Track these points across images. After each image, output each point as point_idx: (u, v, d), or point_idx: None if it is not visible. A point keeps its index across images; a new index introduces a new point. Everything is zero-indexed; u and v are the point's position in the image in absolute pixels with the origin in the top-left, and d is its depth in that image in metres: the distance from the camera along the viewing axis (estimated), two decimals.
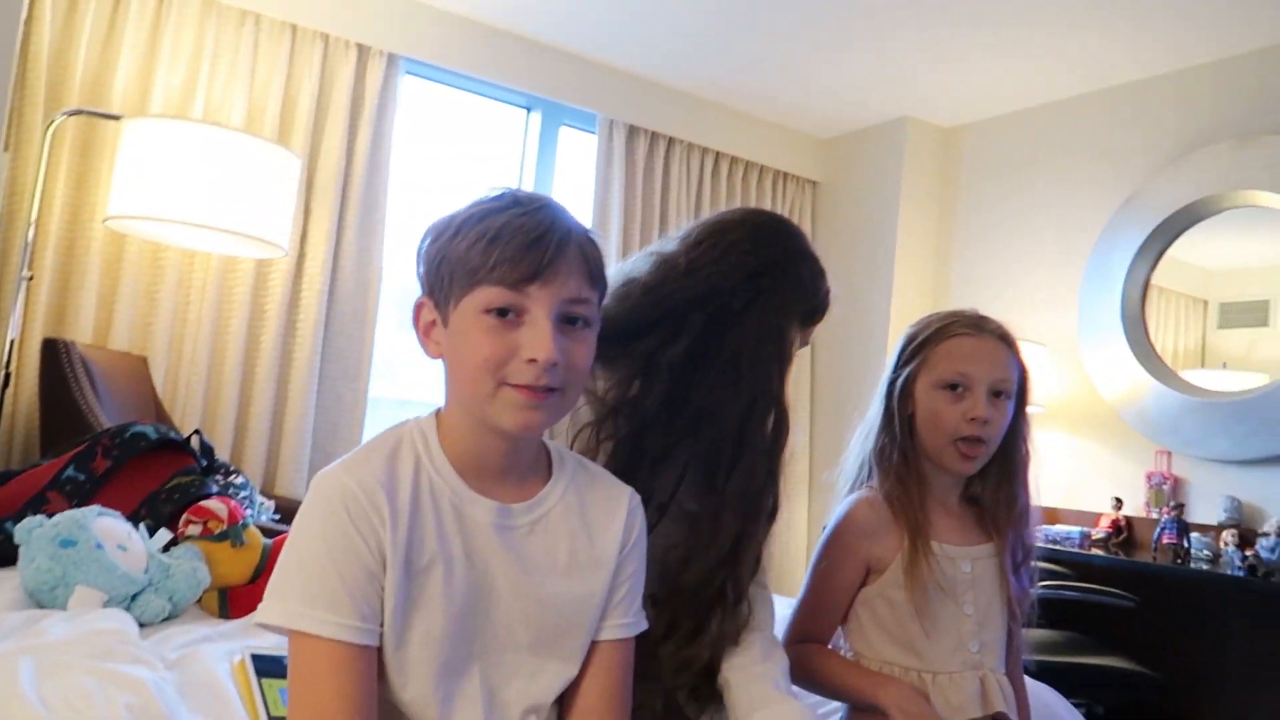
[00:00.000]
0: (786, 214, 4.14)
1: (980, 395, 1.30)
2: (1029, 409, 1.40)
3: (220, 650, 1.38)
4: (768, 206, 4.10)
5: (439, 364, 0.99)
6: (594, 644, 1.04)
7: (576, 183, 3.78)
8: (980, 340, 1.33)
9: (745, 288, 1.22)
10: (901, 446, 1.35)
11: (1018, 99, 3.74)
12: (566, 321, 0.94)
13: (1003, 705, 1.31)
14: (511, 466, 0.99)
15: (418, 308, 0.99)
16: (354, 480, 0.91)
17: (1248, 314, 3.17)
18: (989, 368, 1.31)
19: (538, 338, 0.90)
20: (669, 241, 1.30)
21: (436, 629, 0.93)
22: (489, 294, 0.91)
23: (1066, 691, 2.24)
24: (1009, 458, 1.38)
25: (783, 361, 1.25)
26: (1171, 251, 3.32)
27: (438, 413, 1.01)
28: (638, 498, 1.09)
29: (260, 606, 0.89)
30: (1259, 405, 2.97)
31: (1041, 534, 3.22)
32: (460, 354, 0.94)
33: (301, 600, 0.87)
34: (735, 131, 4.05)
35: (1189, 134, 3.29)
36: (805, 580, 1.40)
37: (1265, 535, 2.81)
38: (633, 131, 3.78)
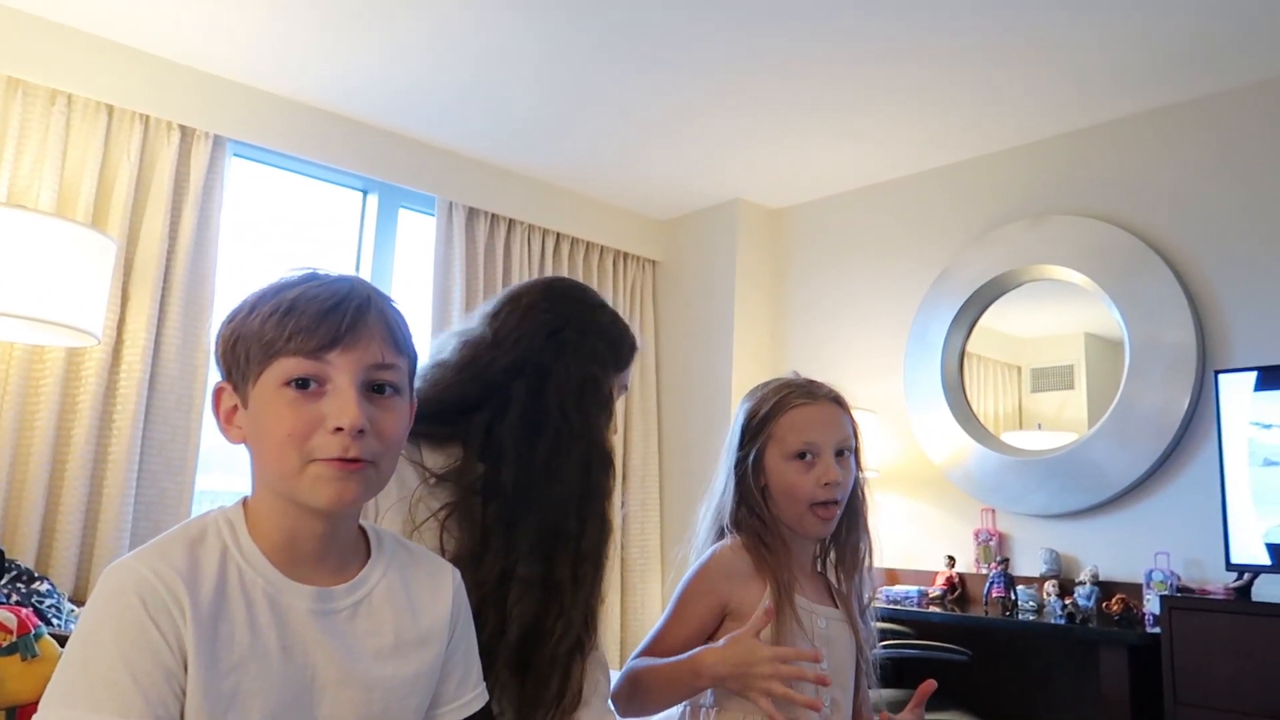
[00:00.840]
0: (628, 292, 4.25)
1: (829, 459, 1.37)
2: (864, 462, 1.48)
3: None
4: (610, 286, 4.19)
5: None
6: None
7: (417, 265, 3.74)
8: (818, 407, 1.40)
9: (551, 344, 1.26)
10: (761, 517, 1.39)
11: (839, 182, 3.98)
12: (373, 390, 0.92)
13: None
14: (329, 549, 0.95)
15: (217, 393, 0.95)
16: (151, 571, 0.85)
17: (1056, 378, 3.43)
18: (831, 431, 1.39)
19: (342, 405, 0.88)
20: (469, 320, 1.34)
21: None
22: (287, 365, 0.89)
23: None
24: (851, 506, 1.45)
25: (607, 410, 1.29)
26: (985, 322, 3.57)
27: (245, 501, 0.96)
28: (459, 575, 1.08)
29: (38, 714, 0.81)
30: (1067, 462, 3.19)
31: (883, 595, 3.33)
32: (263, 432, 0.90)
33: (87, 705, 0.79)
34: (575, 213, 4.13)
35: (992, 213, 3.57)
36: (661, 617, 1.41)
37: (1081, 584, 2.99)
38: (472, 213, 3.79)
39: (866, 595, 1.46)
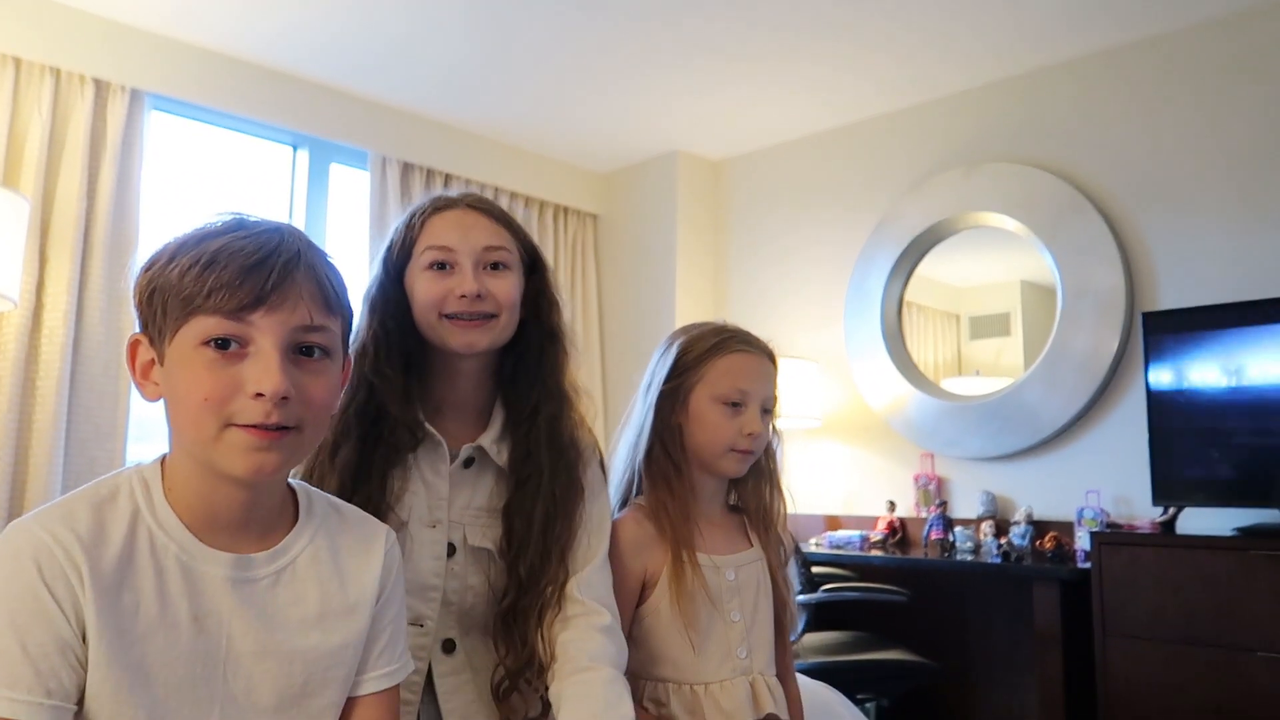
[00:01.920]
0: (569, 247, 4.20)
1: (755, 411, 1.36)
2: (777, 422, 1.47)
3: None
4: (550, 240, 4.14)
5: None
6: (355, 700, 0.97)
7: (351, 221, 3.66)
8: (755, 359, 1.39)
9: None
10: (673, 456, 1.38)
11: (779, 132, 3.96)
12: (300, 352, 0.87)
13: (773, 706, 1.34)
14: (251, 516, 0.91)
15: (132, 345, 0.90)
16: (49, 534, 0.81)
17: (993, 325, 3.48)
18: (763, 385, 1.38)
19: (264, 370, 0.83)
20: None
21: (162, 705, 0.83)
22: (207, 324, 0.83)
23: (852, 688, 2.34)
24: (760, 464, 1.45)
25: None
26: (924, 271, 3.60)
27: (163, 459, 0.91)
28: (393, 536, 1.04)
29: None
30: (1002, 406, 3.25)
31: (825, 540, 3.38)
32: (178, 393, 0.85)
33: None
34: (514, 167, 4.07)
35: (929, 161, 3.59)
36: None
37: (1016, 524, 3.07)
38: (407, 168, 3.71)
39: (783, 552, 1.46)
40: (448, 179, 3.83)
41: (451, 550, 1.24)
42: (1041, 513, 3.13)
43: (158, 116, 3.17)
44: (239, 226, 0.87)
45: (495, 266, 1.25)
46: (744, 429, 1.35)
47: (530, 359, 1.29)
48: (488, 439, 1.27)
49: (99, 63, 2.95)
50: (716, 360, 1.38)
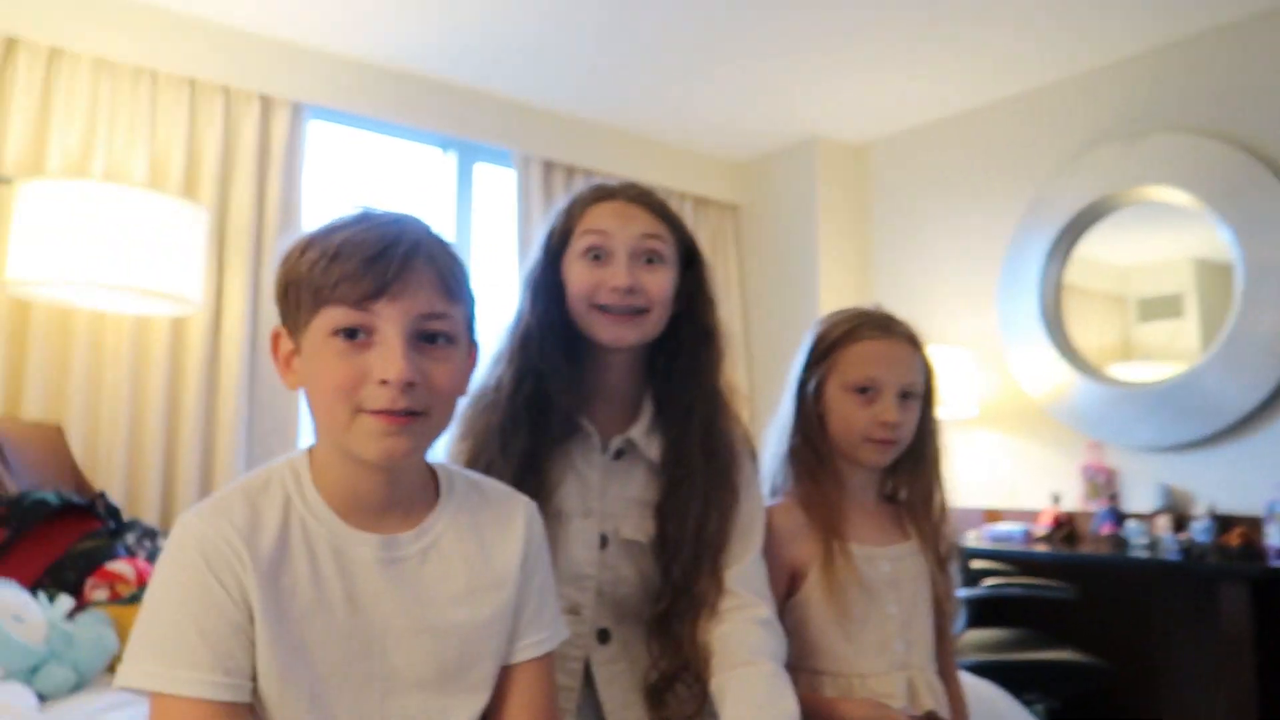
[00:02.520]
0: (710, 239, 4.19)
1: (890, 399, 1.30)
2: (937, 409, 1.41)
3: (126, 717, 1.30)
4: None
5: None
6: (509, 669, 0.99)
7: (499, 219, 3.76)
8: (889, 343, 1.33)
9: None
10: (815, 446, 1.35)
11: (922, 113, 3.83)
12: (424, 339, 0.89)
13: (933, 703, 1.29)
14: (392, 498, 0.94)
15: (274, 337, 0.94)
16: (211, 527, 0.86)
17: (1163, 307, 3.26)
18: (899, 371, 1.32)
19: (388, 357, 0.86)
20: None
21: (325, 682, 0.88)
22: (334, 315, 0.87)
23: (1018, 688, 2.24)
24: (921, 455, 1.39)
25: None
26: (1085, 252, 3.41)
27: (310, 449, 0.95)
28: (534, 505, 1.05)
29: (119, 669, 0.83)
30: (1178, 392, 3.05)
31: (985, 534, 3.25)
32: (314, 381, 0.89)
33: (159, 659, 0.81)
34: (653, 160, 4.08)
35: (1085, 135, 3.39)
36: None
37: (1197, 518, 2.87)
38: (549, 166, 3.78)
39: (944, 547, 1.40)
40: (589, 175, 3.88)
41: (605, 542, 1.25)
42: (1226, 507, 2.91)
43: (315, 125, 3.34)
44: (363, 219, 0.91)
45: (650, 260, 1.23)
46: (878, 417, 1.30)
47: (684, 357, 1.28)
48: (638, 431, 1.27)
49: (265, 79, 3.13)
50: (847, 348, 1.33)
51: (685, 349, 1.27)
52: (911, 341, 1.35)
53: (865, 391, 1.31)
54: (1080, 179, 3.34)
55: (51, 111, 2.76)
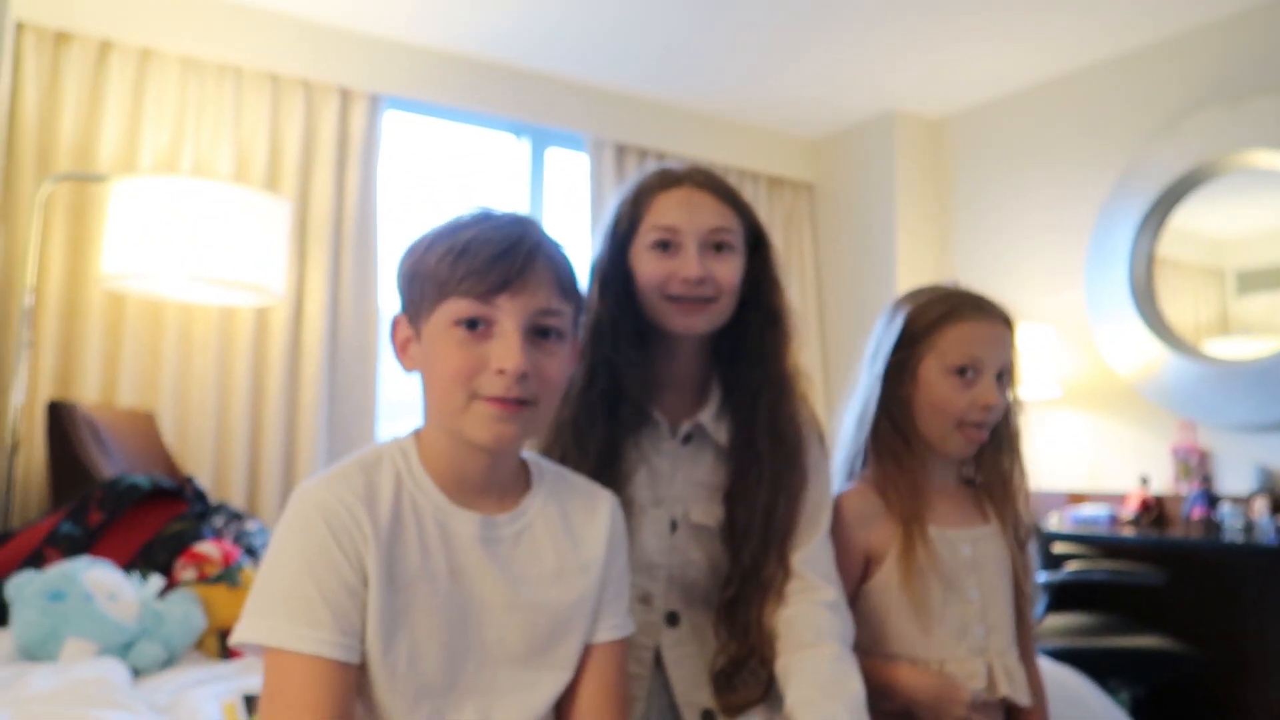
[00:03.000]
0: (784, 219, 4.14)
1: (989, 380, 1.28)
2: (1018, 387, 1.38)
3: (214, 692, 1.37)
4: (764, 212, 4.09)
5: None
6: (589, 648, 1.03)
7: (571, 204, 3.78)
8: (989, 324, 1.31)
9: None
10: (902, 429, 1.32)
11: (1002, 84, 3.70)
12: (538, 334, 0.95)
13: (1010, 690, 1.27)
14: (492, 480, 1.00)
15: (395, 324, 1.00)
16: (333, 495, 0.91)
17: (1266, 279, 3.10)
18: (998, 352, 1.30)
19: (506, 348, 0.91)
20: None
21: (422, 647, 0.92)
22: (458, 306, 0.92)
23: (1103, 674, 2.19)
24: (1002, 436, 1.36)
25: None
26: (1179, 223, 3.26)
27: (418, 431, 1.01)
28: (616, 499, 1.09)
29: (238, 626, 0.88)
30: (1277, 369, 2.90)
31: (1068, 517, 3.16)
32: (432, 367, 0.95)
33: (281, 616, 0.86)
34: (725, 140, 4.05)
35: (1179, 101, 3.24)
36: None
37: None
38: (621, 149, 3.78)
39: (1023, 529, 1.36)
40: (661, 157, 3.87)
41: (674, 527, 1.26)
42: None
43: (392, 115, 3.41)
44: (486, 218, 0.96)
45: (719, 248, 1.23)
46: (978, 400, 1.27)
47: (750, 341, 1.27)
48: (706, 416, 1.27)
49: (343, 72, 3.20)
50: (947, 328, 1.30)
51: (752, 333, 1.27)
52: (1006, 322, 1.33)
53: (964, 373, 1.28)
54: (1176, 146, 3.19)
55: (143, 111, 2.89)
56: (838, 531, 1.31)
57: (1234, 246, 3.20)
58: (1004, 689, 1.27)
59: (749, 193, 4.09)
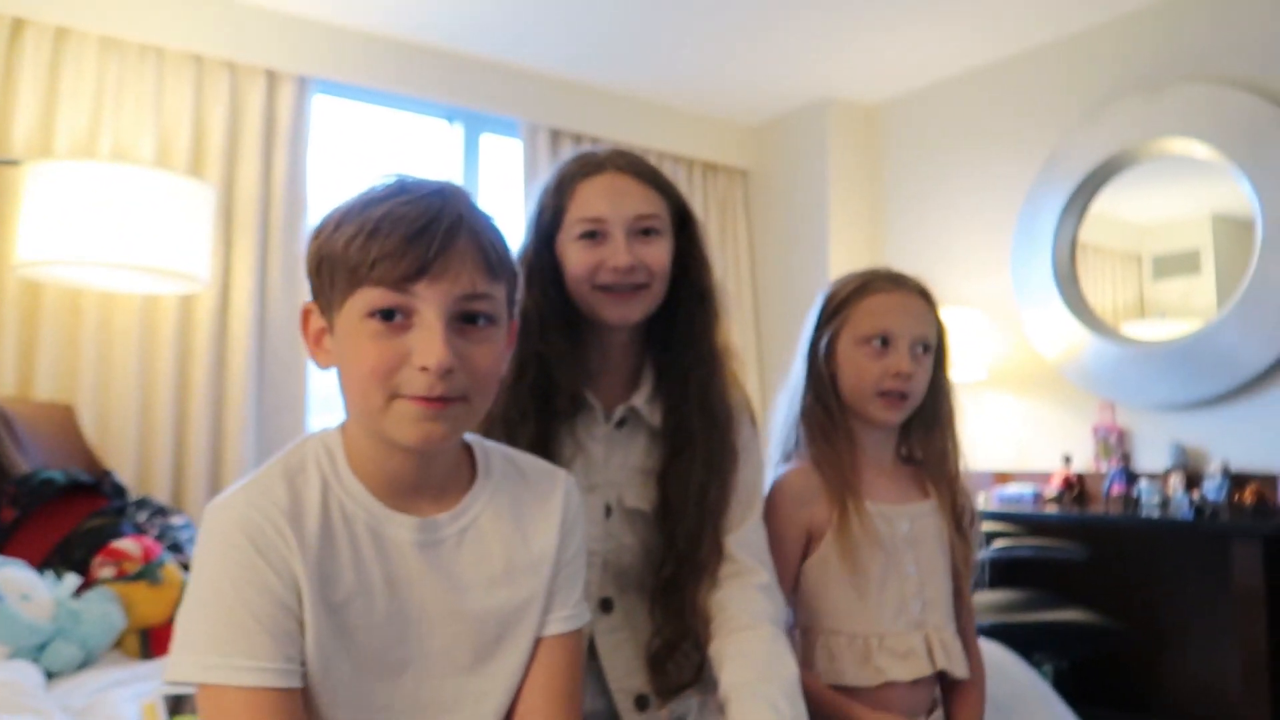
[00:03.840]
0: (718, 204, 4.15)
1: (903, 350, 1.30)
2: (949, 366, 1.40)
3: (134, 693, 1.33)
4: (700, 198, 4.11)
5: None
6: (537, 641, 0.96)
7: (507, 191, 3.75)
8: (901, 295, 1.33)
9: None
10: (827, 405, 1.34)
11: (934, 71, 3.76)
12: (464, 320, 0.85)
13: (946, 664, 1.29)
14: (428, 479, 0.91)
15: (305, 314, 0.89)
16: (254, 509, 0.83)
17: (1180, 264, 3.21)
18: (911, 322, 1.31)
19: (428, 342, 0.81)
20: None
21: (363, 665, 0.86)
22: (371, 296, 0.82)
23: (1028, 648, 2.25)
24: (935, 414, 1.38)
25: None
26: (1101, 209, 3.35)
27: (343, 426, 0.92)
28: (572, 479, 1.03)
29: (168, 662, 0.80)
30: (1193, 350, 3.00)
31: (995, 497, 3.24)
32: (347, 363, 0.85)
33: (213, 649, 0.78)
34: (661, 126, 4.04)
35: (1102, 89, 3.32)
36: None
37: (1210, 476, 2.84)
38: (556, 135, 3.76)
39: (960, 507, 1.39)
40: (596, 142, 3.85)
41: (608, 512, 1.25)
42: (1239, 464, 2.88)
43: (321, 100, 3.34)
44: (401, 190, 0.85)
45: (647, 233, 1.22)
46: (891, 368, 1.29)
47: (680, 322, 1.27)
48: (640, 399, 1.27)
49: (270, 53, 3.12)
50: (860, 302, 1.33)
51: (682, 313, 1.27)
52: (923, 295, 1.35)
53: (877, 343, 1.30)
54: (1098, 133, 3.28)
55: (59, 92, 2.78)
56: (779, 510, 1.32)
57: (1151, 232, 3.30)
58: (941, 662, 1.29)
59: (684, 179, 4.10)
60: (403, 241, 0.81)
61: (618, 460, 1.27)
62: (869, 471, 1.35)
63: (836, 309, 1.34)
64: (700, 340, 1.28)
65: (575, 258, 1.22)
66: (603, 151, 1.27)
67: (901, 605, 1.29)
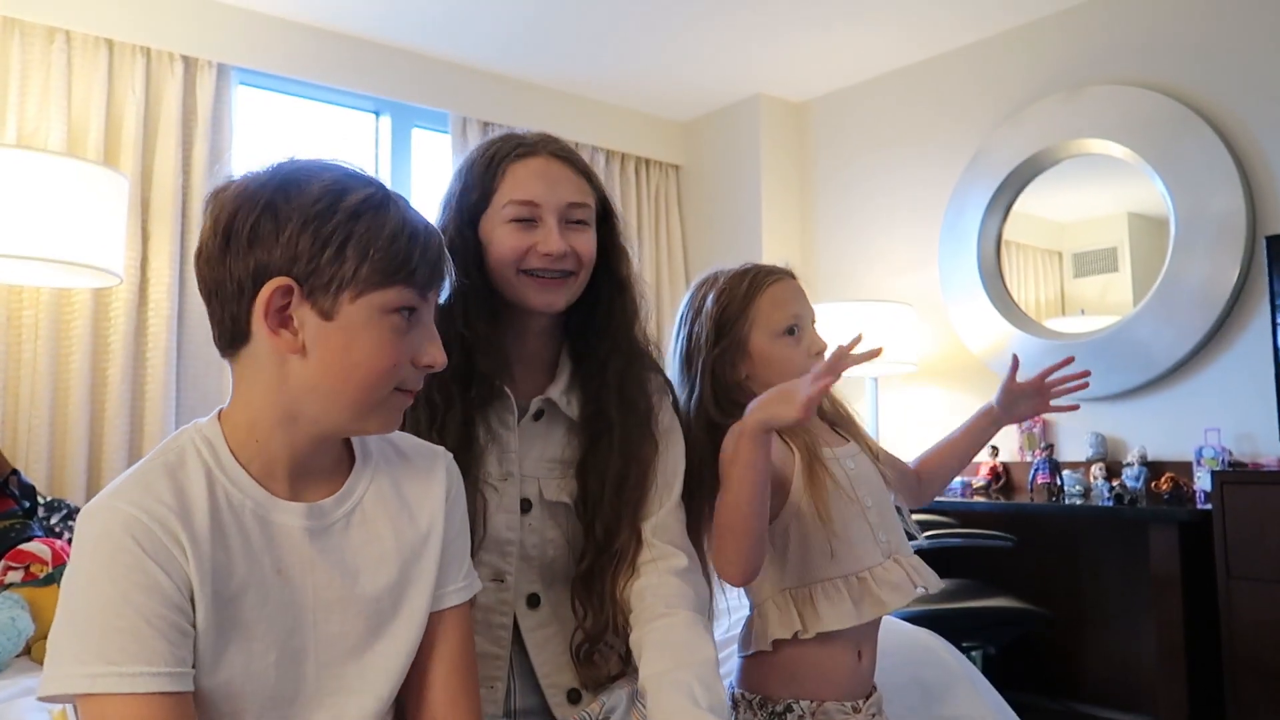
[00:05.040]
0: (652, 199, 4.15)
1: (812, 330, 1.35)
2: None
3: (40, 703, 1.26)
4: (632, 192, 4.10)
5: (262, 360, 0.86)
6: (432, 616, 0.96)
7: (434, 186, 3.69)
8: (790, 283, 1.36)
9: None
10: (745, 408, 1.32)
11: (862, 69, 3.82)
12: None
13: (924, 582, 1.29)
14: (314, 464, 0.91)
15: (279, 291, 0.82)
16: (138, 509, 0.79)
17: (1098, 261, 3.30)
18: (807, 304, 1.37)
19: (434, 344, 0.90)
20: None
21: (258, 658, 0.84)
22: (404, 294, 0.86)
23: (958, 635, 2.29)
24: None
25: None
26: (1023, 208, 3.43)
27: (221, 415, 0.89)
28: (450, 455, 1.03)
29: (43, 678, 0.76)
30: (1111, 343, 3.10)
31: None
32: (354, 355, 0.84)
33: (101, 657, 0.75)
34: (594, 121, 4.03)
35: (1023, 90, 3.41)
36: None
37: (1129, 465, 2.93)
38: (487, 128, 3.70)
39: (870, 444, 1.40)
40: None
41: (527, 505, 1.23)
42: (1156, 453, 2.98)
43: (244, 92, 3.24)
44: (398, 197, 0.90)
45: (578, 222, 1.22)
46: (811, 349, 1.33)
47: (600, 312, 1.27)
48: (556, 390, 1.25)
49: (186, 39, 3.01)
50: (759, 298, 1.33)
51: (601, 303, 1.26)
52: (794, 277, 1.38)
53: (792, 331, 1.33)
54: (1020, 133, 3.36)
55: None
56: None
57: (1071, 230, 3.40)
58: (920, 583, 1.28)
59: (617, 173, 4.09)
60: (436, 250, 0.89)
61: (535, 453, 1.24)
62: (813, 429, 1.34)
63: (736, 313, 1.33)
64: (620, 330, 1.27)
65: (504, 240, 1.19)
66: (532, 135, 1.25)
67: (872, 538, 1.28)
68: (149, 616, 0.77)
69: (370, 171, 0.91)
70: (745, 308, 1.33)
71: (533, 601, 1.24)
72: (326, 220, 0.82)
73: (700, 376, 1.34)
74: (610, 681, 1.22)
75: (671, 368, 1.38)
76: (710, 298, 1.35)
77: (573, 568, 1.25)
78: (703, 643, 1.13)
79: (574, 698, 1.23)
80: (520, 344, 1.25)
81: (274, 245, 0.82)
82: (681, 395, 1.36)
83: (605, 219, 1.29)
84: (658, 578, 1.19)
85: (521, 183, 1.20)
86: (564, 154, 1.24)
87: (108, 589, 0.76)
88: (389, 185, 0.91)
